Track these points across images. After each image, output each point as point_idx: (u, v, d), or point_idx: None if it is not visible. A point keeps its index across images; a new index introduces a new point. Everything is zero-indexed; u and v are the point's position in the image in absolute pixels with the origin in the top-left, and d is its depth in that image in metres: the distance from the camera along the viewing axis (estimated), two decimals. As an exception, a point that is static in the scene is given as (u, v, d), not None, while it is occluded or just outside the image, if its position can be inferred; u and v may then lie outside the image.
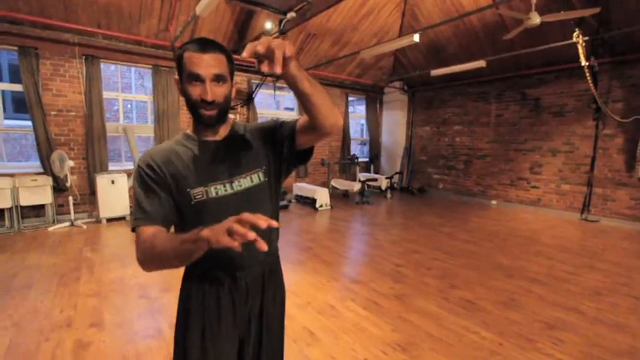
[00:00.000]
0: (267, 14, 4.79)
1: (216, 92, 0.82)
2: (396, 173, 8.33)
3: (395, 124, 8.65)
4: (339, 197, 7.36)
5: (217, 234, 0.61)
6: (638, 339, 2.16)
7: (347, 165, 8.07)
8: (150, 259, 0.79)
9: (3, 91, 4.72)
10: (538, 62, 5.74)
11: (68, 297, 2.56)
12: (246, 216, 0.60)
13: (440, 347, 2.03)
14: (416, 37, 4.29)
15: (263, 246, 0.59)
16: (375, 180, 7.46)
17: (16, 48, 4.32)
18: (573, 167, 5.70)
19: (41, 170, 4.60)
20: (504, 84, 6.53)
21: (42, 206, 4.59)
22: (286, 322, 2.26)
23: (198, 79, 0.80)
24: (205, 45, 0.81)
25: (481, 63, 5.45)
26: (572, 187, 5.73)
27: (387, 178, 7.67)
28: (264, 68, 0.64)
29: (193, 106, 0.83)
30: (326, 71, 7.00)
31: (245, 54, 0.63)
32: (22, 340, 2.01)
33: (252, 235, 0.58)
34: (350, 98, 8.25)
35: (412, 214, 5.97)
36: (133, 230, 0.83)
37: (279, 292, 1.05)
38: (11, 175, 4.39)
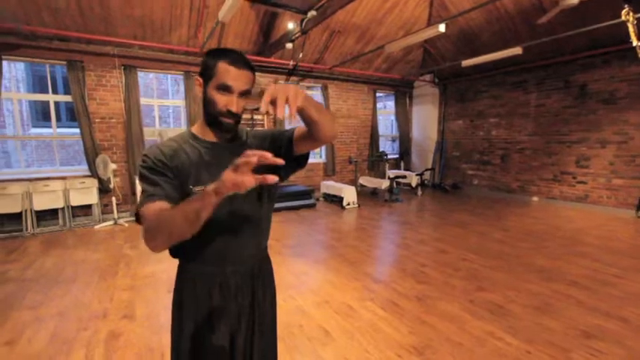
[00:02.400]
0: (290, 15, 4.84)
1: (241, 106, 0.89)
2: (427, 169, 8.05)
3: (426, 119, 8.36)
4: (367, 195, 7.27)
5: (223, 181, 0.68)
6: (695, 353, 1.91)
7: (375, 162, 7.95)
8: (156, 229, 0.78)
9: (57, 102, 5.22)
10: (582, 45, 5.25)
11: (106, 290, 2.78)
12: (249, 153, 0.67)
13: (459, 352, 1.94)
14: (441, 27, 4.10)
15: (271, 178, 0.67)
16: (405, 177, 7.27)
17: (65, 62, 4.76)
18: (627, 160, 5.15)
19: (88, 173, 5.03)
20: (545, 71, 6.05)
21: (89, 206, 5.03)
22: (302, 320, 2.30)
23: (229, 90, 0.86)
24: (241, 61, 0.87)
25: (517, 50, 5.09)
26: (625, 182, 5.18)
27: (417, 174, 7.44)
28: (279, 114, 0.68)
29: (215, 112, 0.88)
30: (352, 68, 6.92)
31: (263, 108, 0.68)
32: (64, 328, 2.22)
33: (252, 180, 0.66)
34: (378, 94, 8.10)
35: (443, 212, 5.74)
36: (136, 213, 0.88)
37: (270, 290, 1.07)
38: (63, 178, 4.85)
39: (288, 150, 0.97)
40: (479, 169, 7.42)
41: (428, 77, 8.02)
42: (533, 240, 4.06)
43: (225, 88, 0.86)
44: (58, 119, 5.83)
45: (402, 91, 8.32)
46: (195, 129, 0.96)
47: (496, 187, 7.09)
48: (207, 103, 0.89)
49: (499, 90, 6.86)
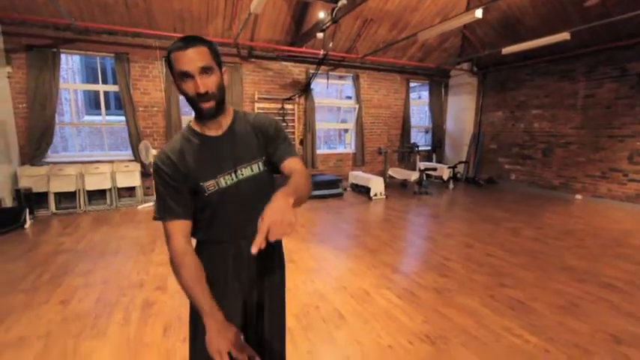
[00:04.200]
0: (322, 4, 4.83)
1: (207, 83, 0.88)
2: (461, 162, 7.76)
3: (461, 110, 8.02)
4: (397, 187, 7.18)
5: (212, 347, 0.85)
6: None
7: (406, 154, 7.80)
8: (175, 273, 0.95)
9: (106, 92, 5.67)
10: (643, 29, 4.73)
11: (143, 264, 3.06)
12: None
13: (472, 345, 1.93)
14: (478, 13, 3.90)
15: None
16: (436, 169, 7.07)
17: (113, 54, 5.15)
18: (690, 157, 4.64)
19: (132, 158, 5.45)
20: (596, 58, 5.54)
21: (133, 188, 5.46)
22: (319, 302, 2.39)
23: (187, 75, 0.86)
24: (187, 41, 0.86)
25: (564, 35, 4.72)
26: (686, 182, 4.68)
27: (449, 167, 7.21)
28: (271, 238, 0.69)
29: (192, 101, 0.91)
30: (385, 57, 6.78)
31: (254, 250, 0.69)
32: (107, 294, 2.49)
33: None
34: (412, 84, 7.88)
35: (474, 206, 5.54)
36: (156, 219, 0.98)
37: (280, 264, 1.16)
38: (111, 162, 5.30)
39: (273, 164, 1.06)
40: (517, 164, 7.03)
41: (465, 66, 7.66)
42: (570, 239, 3.83)
43: (184, 75, 0.86)
44: (107, 107, 6.35)
45: (437, 81, 8.03)
46: (194, 123, 1.00)
47: (535, 183, 6.69)
48: (185, 98, 0.90)
49: (543, 79, 6.40)
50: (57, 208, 4.91)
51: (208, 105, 0.91)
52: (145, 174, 5.47)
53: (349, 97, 7.88)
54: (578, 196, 5.96)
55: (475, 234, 4.03)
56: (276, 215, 0.69)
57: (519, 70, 6.80)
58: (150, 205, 5.30)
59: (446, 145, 8.43)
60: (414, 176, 6.69)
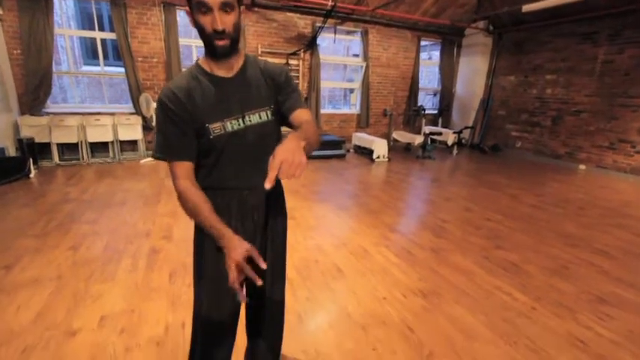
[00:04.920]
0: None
1: (225, 21, 0.84)
2: (467, 127, 7.62)
3: (473, 73, 7.70)
4: (400, 150, 7.12)
5: (232, 258, 0.86)
6: None
7: (412, 117, 7.64)
8: (184, 208, 0.95)
9: (104, 40, 5.43)
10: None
11: (149, 215, 3.13)
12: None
13: (464, 300, 2.03)
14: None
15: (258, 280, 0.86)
16: (440, 134, 6.97)
17: (108, -1, 4.85)
18: (703, 129, 4.52)
19: (133, 111, 5.36)
20: (623, 20, 5.20)
21: (135, 142, 5.44)
22: (318, 257, 2.47)
23: (206, 7, 0.81)
24: None
25: (592, -7, 4.38)
26: (695, 155, 4.61)
27: (454, 132, 7.09)
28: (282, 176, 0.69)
29: (207, 37, 0.87)
30: (397, 11, 6.37)
31: (268, 185, 0.67)
32: (115, 242, 2.58)
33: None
34: (423, 43, 7.49)
35: (477, 172, 5.54)
36: (157, 158, 0.95)
37: (281, 213, 1.18)
38: (112, 114, 5.22)
39: (282, 114, 1.03)
40: (525, 131, 6.90)
41: (481, 24, 7.22)
42: (569, 207, 3.86)
43: (202, 6, 0.81)
44: (105, 58, 6.12)
45: (450, 40, 7.62)
46: (202, 62, 0.96)
47: (540, 152, 6.61)
48: (199, 32, 0.86)
49: (563, 42, 6.05)
50: (60, 159, 4.94)
51: (223, 43, 0.87)
52: (146, 127, 5.42)
53: (356, 55, 7.55)
54: (582, 166, 5.92)
55: (475, 199, 4.07)
56: (288, 154, 0.69)
57: (538, 30, 6.42)
58: (152, 159, 5.31)
59: (453, 109, 8.22)
60: (418, 140, 6.61)
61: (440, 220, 3.33)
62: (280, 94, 1.02)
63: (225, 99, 0.95)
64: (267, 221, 1.11)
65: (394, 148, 7.16)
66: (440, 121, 7.98)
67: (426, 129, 7.11)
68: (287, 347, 1.55)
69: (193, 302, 1.10)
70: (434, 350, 1.63)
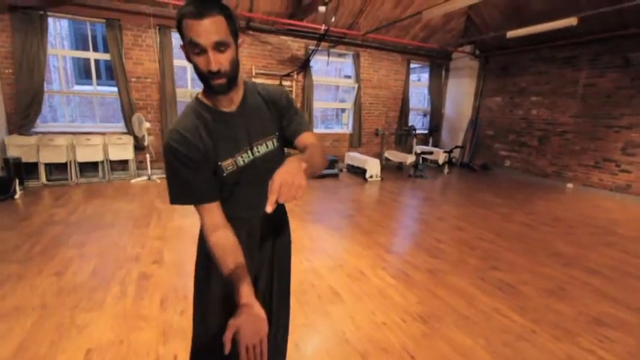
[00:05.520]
0: (324, -25, 4.62)
1: (220, 61, 0.79)
2: (457, 147, 7.77)
3: (461, 94, 7.94)
4: (392, 169, 7.19)
5: (239, 332, 0.73)
6: None
7: (403, 136, 7.77)
8: (213, 257, 0.88)
9: (97, 60, 5.44)
10: (651, 18, 4.66)
11: (139, 237, 3.05)
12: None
13: (463, 324, 2.00)
14: (486, -7, 3.78)
15: None
16: (432, 153, 7.08)
17: (104, 20, 4.90)
18: (682, 149, 4.70)
19: (125, 130, 5.32)
20: (602, 46, 5.48)
21: (126, 161, 5.37)
22: (314, 280, 2.42)
23: (199, 48, 0.77)
24: (201, 7, 0.75)
25: (572, 21, 4.62)
26: (676, 174, 4.77)
27: (445, 151, 7.22)
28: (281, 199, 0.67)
29: (202, 76, 0.84)
30: (387, 35, 6.60)
31: (269, 209, 0.66)
32: (103, 267, 2.49)
33: None
34: (412, 65, 7.73)
35: (468, 191, 5.60)
36: (172, 203, 0.91)
37: (287, 240, 1.17)
38: (103, 134, 5.17)
39: (286, 138, 1.03)
40: (513, 151, 7.07)
41: (468, 49, 7.52)
42: (560, 226, 3.91)
43: (195, 47, 0.77)
44: (98, 77, 6.13)
45: (438, 63, 7.89)
46: (202, 97, 0.92)
47: (529, 171, 6.76)
48: (195, 69, 0.83)
49: (546, 66, 6.33)
50: (48, 179, 4.82)
51: (219, 82, 0.83)
52: (138, 147, 5.37)
53: (348, 77, 7.72)
54: (570, 185, 6.05)
55: (467, 217, 4.09)
56: (287, 177, 0.67)
57: (522, 55, 6.71)
58: (143, 179, 5.23)
59: (443, 129, 8.40)
60: (410, 159, 6.69)
61: (434, 240, 3.33)
62: (283, 119, 1.02)
63: (232, 134, 0.93)
64: (273, 249, 1.09)
65: (386, 167, 7.23)
66: (430, 140, 8.13)
67: (418, 148, 7.22)
68: (284, 379, 1.48)
69: (193, 329, 1.06)
70: (436, 378, 1.58)
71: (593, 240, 3.50)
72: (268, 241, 1.08)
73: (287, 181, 0.67)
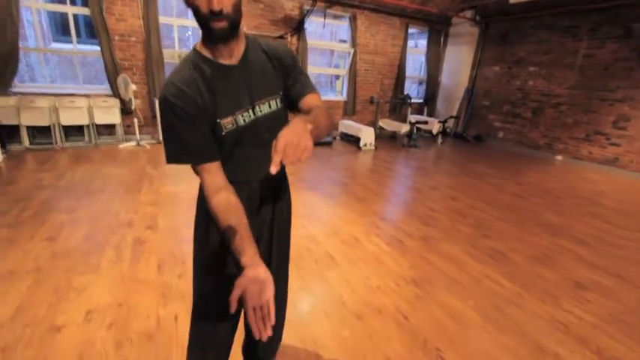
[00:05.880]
0: None
1: (222, 1, 0.74)
2: (451, 117, 7.72)
3: (458, 62, 7.75)
4: (386, 138, 7.15)
5: (245, 293, 0.71)
6: (685, 313, 1.98)
7: (398, 105, 7.65)
8: (214, 219, 0.85)
9: (76, 16, 5.05)
10: (658, -15, 4.52)
11: (131, 203, 3.00)
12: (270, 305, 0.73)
13: (454, 288, 2.08)
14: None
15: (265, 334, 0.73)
16: (426, 123, 7.03)
17: (80, -31, 4.49)
18: (672, 123, 4.77)
19: (110, 93, 5.07)
20: (604, 16, 5.33)
21: (113, 126, 5.17)
22: (311, 246, 2.45)
23: None
24: None
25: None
26: (663, 147, 4.87)
27: (439, 121, 7.17)
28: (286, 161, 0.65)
29: (202, 19, 0.77)
30: (385, -3, 6.27)
31: (273, 169, 0.63)
32: (96, 232, 2.46)
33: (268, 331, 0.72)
34: (410, 31, 7.44)
35: (461, 161, 5.65)
36: (175, 162, 0.86)
37: (287, 204, 1.15)
38: (87, 96, 4.92)
39: (290, 99, 0.97)
40: (507, 122, 7.06)
41: (469, 14, 7.23)
42: (548, 197, 4.01)
43: None
44: (78, 35, 5.71)
45: (437, 29, 7.61)
46: (200, 47, 0.85)
47: (521, 142, 6.81)
48: (194, 12, 0.77)
49: (547, 34, 6.16)
50: (31, 143, 4.63)
51: (220, 25, 0.76)
52: (125, 111, 5.15)
53: (343, 41, 7.41)
54: (559, 157, 6.15)
55: (460, 187, 4.15)
56: (293, 137, 0.64)
57: (524, 21, 6.49)
58: (131, 144, 5.08)
59: (438, 98, 8.29)
60: (404, 129, 6.64)
61: (427, 209, 3.38)
62: (288, 78, 0.96)
63: (233, 90, 0.87)
64: (273, 213, 1.07)
65: (380, 136, 7.17)
66: (425, 110, 8.03)
67: (412, 118, 7.14)
68: (283, 336, 1.53)
69: (193, 290, 1.06)
70: (428, 337, 1.66)
71: (579, 211, 3.61)
72: (268, 204, 1.06)
73: (292, 142, 0.64)
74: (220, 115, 0.85)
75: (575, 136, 5.90)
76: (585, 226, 3.18)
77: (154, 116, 5.32)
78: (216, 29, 0.77)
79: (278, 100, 0.95)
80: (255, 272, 0.74)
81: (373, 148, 6.07)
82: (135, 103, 5.03)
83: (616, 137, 5.37)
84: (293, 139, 0.64)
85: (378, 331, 1.68)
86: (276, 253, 1.12)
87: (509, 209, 3.51)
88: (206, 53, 0.85)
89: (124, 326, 1.58)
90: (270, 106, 0.93)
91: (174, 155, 0.86)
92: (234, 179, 0.92)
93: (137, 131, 5.13)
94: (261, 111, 0.91)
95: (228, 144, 0.88)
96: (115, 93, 5.00)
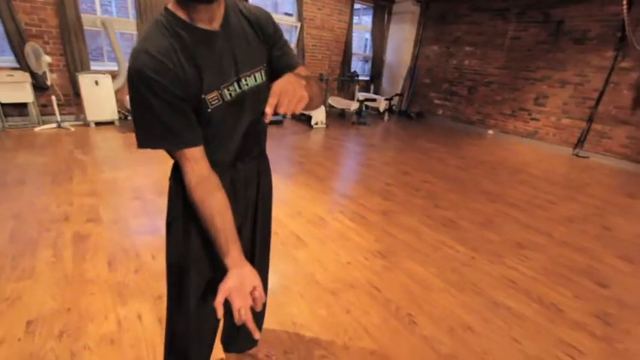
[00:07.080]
0: None
1: None
2: (396, 95, 8.01)
3: (402, 41, 7.97)
4: (336, 116, 7.19)
5: (230, 296, 0.69)
6: (596, 260, 2.37)
7: (346, 82, 7.68)
8: (198, 212, 0.77)
9: (-45, -35, 4.04)
10: (572, -26, 5.06)
11: (63, 194, 2.61)
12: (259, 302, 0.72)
13: (417, 256, 2.21)
14: None
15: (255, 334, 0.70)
16: (374, 100, 7.20)
17: None
18: (579, 101, 5.52)
19: (17, 65, 4.26)
20: (527, 1, 5.85)
21: (24, 105, 4.38)
22: (277, 228, 2.40)
23: None
24: None
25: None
26: (572, 122, 5.64)
27: (386, 99, 7.40)
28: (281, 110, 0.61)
29: None
30: (331, -31, 6.10)
31: (268, 113, 0.60)
32: (24, 230, 2.11)
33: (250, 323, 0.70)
34: (356, 6, 7.40)
35: (407, 137, 5.93)
36: (142, 147, 0.73)
37: (269, 184, 1.09)
38: (-16, 68, 4.07)
39: (277, 72, 0.86)
40: (445, 99, 7.54)
41: (411, -8, 7.40)
42: (485, 168, 4.43)
43: None
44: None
45: (382, 5, 7.68)
46: (175, 7, 0.69)
47: (458, 119, 7.36)
48: None
49: (480, 16, 6.60)
50: None
51: None
52: (38, 87, 4.39)
53: (289, 14, 7.11)
54: (490, 132, 6.80)
55: (410, 162, 4.38)
56: (289, 86, 0.61)
57: (461, 3, 6.85)
58: (51, 126, 4.38)
59: (384, 76, 8.50)
60: (353, 106, 6.73)
61: (384, 184, 3.51)
62: (274, 49, 0.86)
63: (217, 60, 0.74)
64: (257, 195, 1.00)
65: (330, 113, 7.18)
66: (372, 87, 8.20)
67: (360, 95, 7.25)
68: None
69: (170, 290, 0.96)
70: (400, 305, 1.75)
71: (511, 179, 4.06)
72: (252, 185, 0.99)
73: (288, 91, 0.60)
74: (205, 90, 0.73)
75: (503, 112, 6.55)
76: (518, 193, 3.60)
77: (77, 93, 4.62)
78: None
79: (263, 73, 0.85)
80: (241, 272, 0.72)
81: (324, 126, 6.07)
82: (50, 78, 4.30)
83: (536, 113, 6.07)
84: (289, 88, 0.61)
85: (354, 305, 1.73)
86: (259, 236, 1.07)
87: (454, 180, 3.81)
88: (182, 15, 0.69)
89: (78, 333, 1.39)
90: (255, 79, 0.83)
91: (150, 139, 0.72)
92: (217, 160, 0.83)
93: (57, 111, 4.43)
94: (247, 84, 0.81)
95: (214, 122, 0.78)
96: (23, 65, 4.21)
